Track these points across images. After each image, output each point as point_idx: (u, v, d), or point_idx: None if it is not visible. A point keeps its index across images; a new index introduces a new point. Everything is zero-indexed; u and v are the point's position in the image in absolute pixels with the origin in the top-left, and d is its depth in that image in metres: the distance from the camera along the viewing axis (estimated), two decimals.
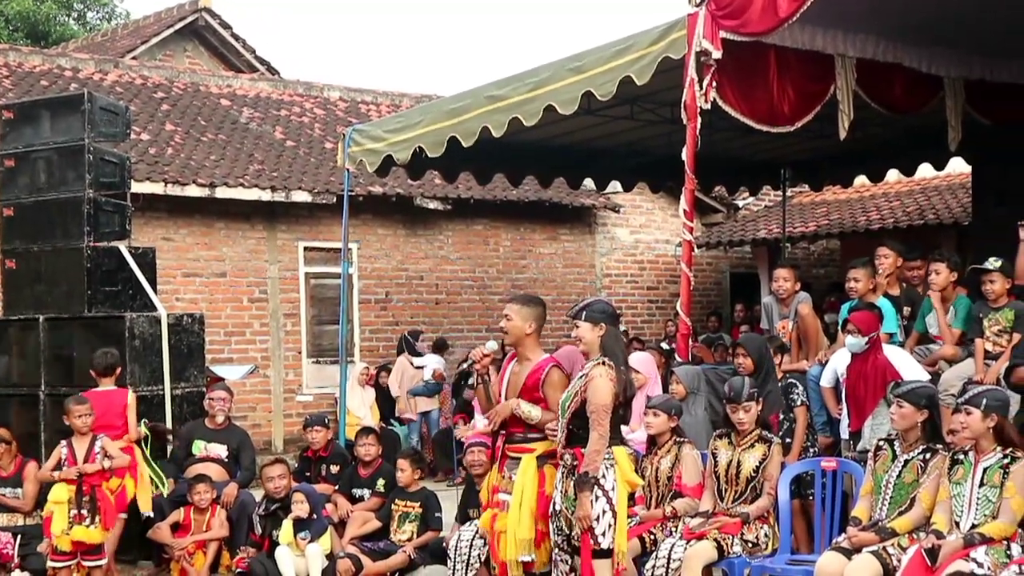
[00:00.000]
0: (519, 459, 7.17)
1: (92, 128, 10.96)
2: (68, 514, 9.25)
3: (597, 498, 6.65)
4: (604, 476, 6.68)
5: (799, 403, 8.89)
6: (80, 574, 9.29)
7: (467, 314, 18.23)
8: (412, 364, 15.53)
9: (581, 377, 6.85)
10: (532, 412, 7.11)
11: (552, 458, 7.15)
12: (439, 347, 16.28)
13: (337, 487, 10.35)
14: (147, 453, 10.15)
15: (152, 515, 9.83)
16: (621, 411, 6.88)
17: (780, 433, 8.66)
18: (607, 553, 6.73)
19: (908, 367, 8.34)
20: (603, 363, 6.74)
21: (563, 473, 6.92)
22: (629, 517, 7.99)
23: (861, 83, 9.47)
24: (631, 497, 8.28)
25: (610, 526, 6.68)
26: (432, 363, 15.56)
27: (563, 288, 19.28)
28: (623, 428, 8.78)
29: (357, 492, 10.20)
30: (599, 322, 6.88)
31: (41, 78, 17.38)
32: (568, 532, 6.87)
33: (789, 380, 9.00)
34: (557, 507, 6.92)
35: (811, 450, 8.87)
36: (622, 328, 7.28)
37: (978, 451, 6.82)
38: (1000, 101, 10.57)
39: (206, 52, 23.62)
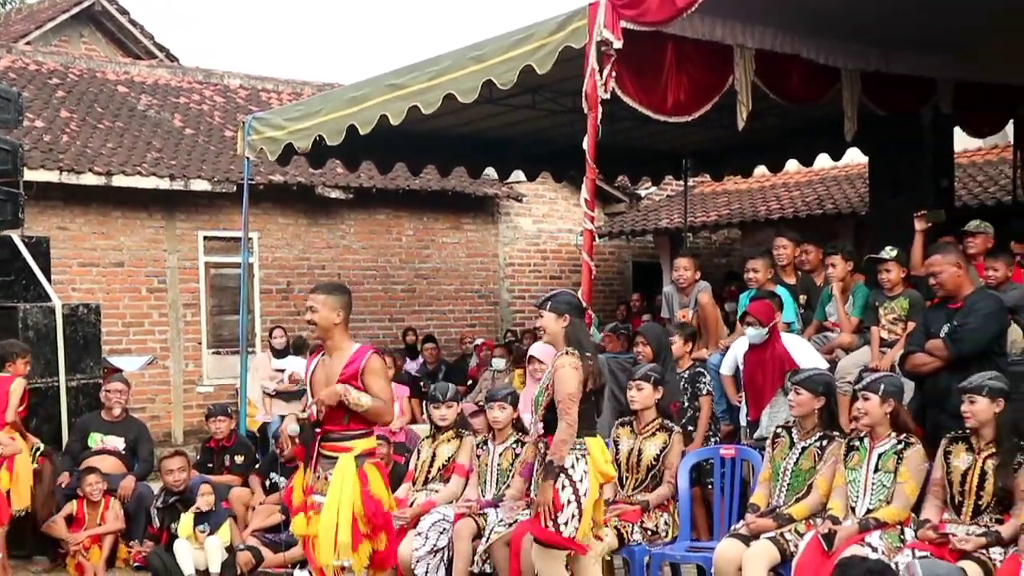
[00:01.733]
0: (334, 458, 6.66)
1: None
2: None
3: (563, 487, 6.59)
4: (573, 467, 6.62)
5: (704, 392, 8.95)
6: None
7: (370, 304, 18.12)
8: (271, 365, 14.65)
9: (550, 370, 6.80)
10: (361, 399, 6.55)
11: (372, 457, 6.79)
12: (298, 347, 14.91)
13: (256, 469, 10.46)
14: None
15: (28, 511, 9.55)
16: (593, 399, 6.81)
17: (684, 421, 8.74)
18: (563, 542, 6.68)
19: (806, 355, 8.45)
20: (568, 353, 6.70)
21: (538, 463, 6.86)
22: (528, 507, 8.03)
23: (759, 74, 9.54)
24: (532, 486, 8.33)
25: (573, 516, 6.62)
26: (292, 366, 14.38)
27: (466, 277, 19.27)
28: (525, 417, 8.83)
29: (275, 477, 10.18)
30: (563, 313, 6.82)
31: None
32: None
33: (697, 368, 9.06)
34: (532, 496, 6.88)
35: (713, 439, 8.95)
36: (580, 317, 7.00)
37: (873, 437, 6.93)
38: (896, 92, 10.71)
39: (103, 38, 23.22)
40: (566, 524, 6.61)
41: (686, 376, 9.03)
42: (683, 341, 9.18)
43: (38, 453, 9.84)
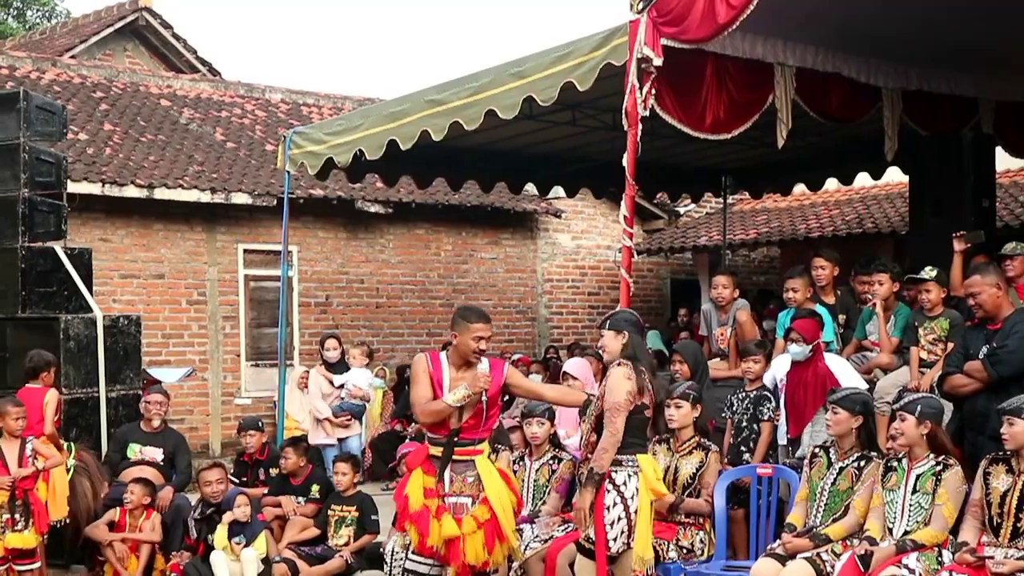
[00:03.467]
0: (467, 462, 7.04)
1: (28, 127, 10.82)
2: (0, 519, 9.10)
3: (615, 504, 6.60)
4: (625, 483, 6.62)
5: (766, 417, 8.68)
6: None
7: (408, 318, 18.17)
8: (331, 381, 13.37)
9: (605, 381, 6.81)
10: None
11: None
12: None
13: (266, 493, 10.28)
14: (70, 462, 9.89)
15: (67, 520, 9.62)
16: (645, 414, 6.80)
17: (739, 440, 8.65)
18: (612, 559, 6.69)
19: (847, 375, 8.41)
20: (621, 363, 6.72)
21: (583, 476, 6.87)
22: (566, 523, 8.04)
23: (800, 92, 9.53)
24: (567, 502, 8.34)
25: (623, 532, 6.63)
26: (354, 379, 13.44)
27: (504, 293, 19.27)
28: (560, 433, 8.82)
29: (292, 500, 10.12)
30: (622, 330, 6.85)
31: None
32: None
33: (763, 392, 8.81)
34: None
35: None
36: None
37: (911, 458, 6.89)
38: (937, 111, 10.68)
39: (146, 52, 23.41)
40: (615, 540, 6.61)
41: (751, 396, 8.83)
42: (765, 360, 9.02)
43: (73, 450, 9.90)
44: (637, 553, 6.68)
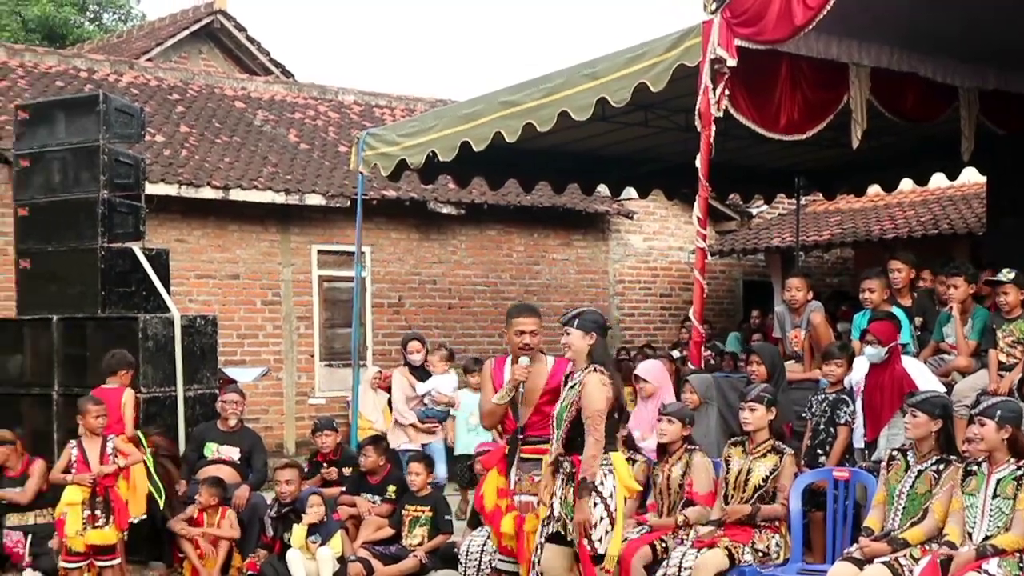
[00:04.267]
0: (535, 460, 7.06)
1: (107, 129, 10.94)
2: (82, 515, 9.26)
3: (595, 504, 6.61)
4: (602, 482, 6.65)
5: (843, 421, 8.53)
6: (92, 574, 9.30)
7: (479, 319, 18.23)
8: (414, 386, 12.68)
9: (573, 386, 6.79)
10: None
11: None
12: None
13: (343, 492, 10.34)
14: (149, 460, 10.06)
15: (144, 517, 9.76)
16: (616, 416, 6.85)
17: (816, 443, 8.59)
18: (600, 559, 6.70)
19: (924, 378, 8.32)
20: (596, 370, 6.71)
21: (561, 480, 6.84)
22: (640, 525, 8.05)
23: (875, 92, 9.47)
24: (642, 504, 8.34)
25: (607, 532, 6.65)
26: (439, 386, 12.69)
27: (576, 294, 19.25)
28: (635, 435, 8.84)
29: (367, 499, 10.18)
30: (590, 331, 6.83)
31: (56, 79, 17.42)
32: (566, 537, 6.79)
33: (842, 395, 8.66)
34: (555, 512, 6.80)
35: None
36: (613, 338, 7.14)
37: (991, 462, 6.80)
38: (1014, 111, 10.56)
39: (221, 54, 23.68)
40: (600, 540, 6.63)
41: (829, 399, 8.69)
42: (847, 363, 8.85)
43: (144, 440, 10.07)
44: (610, 553, 6.70)
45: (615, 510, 6.67)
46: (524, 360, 7.06)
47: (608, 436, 6.72)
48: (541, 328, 7.15)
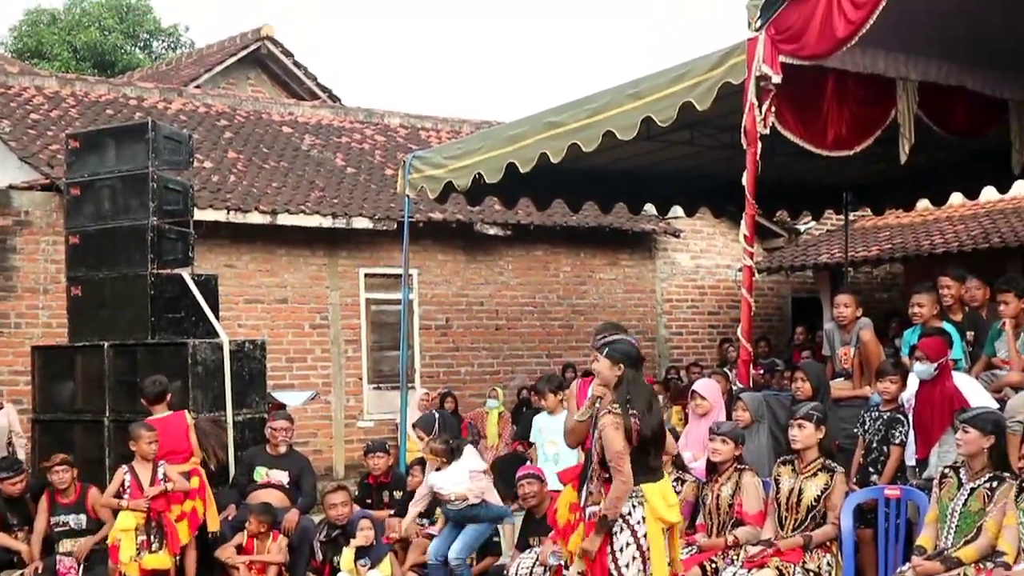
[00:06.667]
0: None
1: (156, 156, 11.04)
2: (136, 541, 9.33)
3: (621, 529, 6.58)
4: (631, 512, 6.60)
5: (898, 441, 8.37)
6: None
7: (527, 340, 18.22)
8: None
9: (595, 429, 6.77)
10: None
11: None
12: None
13: (393, 513, 10.31)
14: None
15: (220, 533, 9.89)
16: (649, 449, 6.70)
17: (869, 461, 8.49)
18: None
19: (976, 394, 8.20)
20: (609, 412, 6.63)
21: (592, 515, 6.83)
22: (689, 545, 7.98)
23: (923, 106, 9.40)
24: (691, 524, 8.28)
25: (634, 559, 6.59)
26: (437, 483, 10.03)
27: (624, 314, 19.18)
28: (686, 456, 8.78)
29: (416, 521, 10.16)
30: (618, 362, 6.72)
31: (107, 107, 17.62)
32: None
33: (898, 414, 8.50)
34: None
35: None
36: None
37: None
38: None
39: (268, 80, 23.85)
40: (627, 566, 6.57)
41: (884, 417, 8.53)
42: (902, 381, 8.68)
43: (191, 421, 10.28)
44: None
45: (643, 537, 6.61)
46: None
47: (641, 467, 6.63)
48: None
